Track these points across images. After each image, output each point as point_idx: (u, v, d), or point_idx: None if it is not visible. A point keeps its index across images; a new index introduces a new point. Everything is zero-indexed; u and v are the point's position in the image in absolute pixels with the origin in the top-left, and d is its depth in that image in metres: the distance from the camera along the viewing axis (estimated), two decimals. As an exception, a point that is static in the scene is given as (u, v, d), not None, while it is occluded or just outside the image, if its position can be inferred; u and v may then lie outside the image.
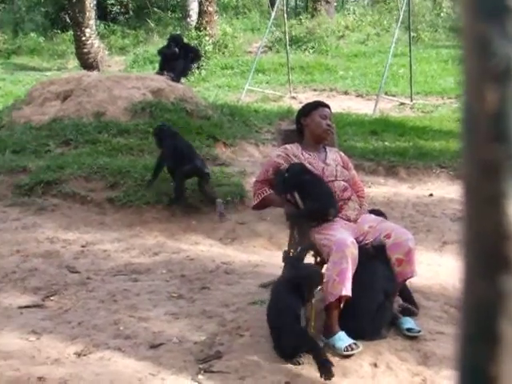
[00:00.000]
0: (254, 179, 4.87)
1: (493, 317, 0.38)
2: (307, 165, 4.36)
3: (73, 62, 19.53)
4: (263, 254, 5.54)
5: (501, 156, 0.38)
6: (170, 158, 6.57)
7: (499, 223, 0.38)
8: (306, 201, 4.19)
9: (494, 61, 0.38)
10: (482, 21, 0.38)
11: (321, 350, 3.65)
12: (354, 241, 3.93)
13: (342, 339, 3.80)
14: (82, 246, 5.73)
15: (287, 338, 3.69)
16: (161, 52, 10.28)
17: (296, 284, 3.78)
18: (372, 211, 4.56)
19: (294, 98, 14.56)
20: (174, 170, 6.53)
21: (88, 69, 15.90)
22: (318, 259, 4.30)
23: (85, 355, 3.70)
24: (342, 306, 3.91)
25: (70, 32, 19.90)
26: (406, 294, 4.42)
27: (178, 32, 17.04)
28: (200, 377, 3.53)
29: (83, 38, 17.59)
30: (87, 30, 17.60)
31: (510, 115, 0.38)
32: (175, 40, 10.22)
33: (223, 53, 18.95)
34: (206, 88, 15.17)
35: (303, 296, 3.77)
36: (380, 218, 4.36)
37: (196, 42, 16.76)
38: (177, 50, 9.90)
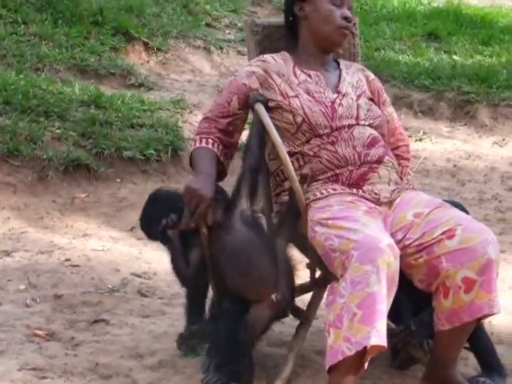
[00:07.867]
0: (201, 116, 4.87)
1: None
2: (304, 95, 4.36)
3: None
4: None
5: None
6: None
7: None
8: None
9: None
10: None
11: None
12: (393, 243, 3.91)
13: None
14: None
15: None
16: None
17: None
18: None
19: (282, -38, 14.53)
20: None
21: None
22: (319, 273, 4.34)
23: None
24: (366, 365, 3.88)
25: None
26: (483, 346, 4.48)
27: None
28: None
29: None
30: None
31: None
32: None
33: None
34: None
35: None
36: (438, 200, 4.36)
37: None
38: None
